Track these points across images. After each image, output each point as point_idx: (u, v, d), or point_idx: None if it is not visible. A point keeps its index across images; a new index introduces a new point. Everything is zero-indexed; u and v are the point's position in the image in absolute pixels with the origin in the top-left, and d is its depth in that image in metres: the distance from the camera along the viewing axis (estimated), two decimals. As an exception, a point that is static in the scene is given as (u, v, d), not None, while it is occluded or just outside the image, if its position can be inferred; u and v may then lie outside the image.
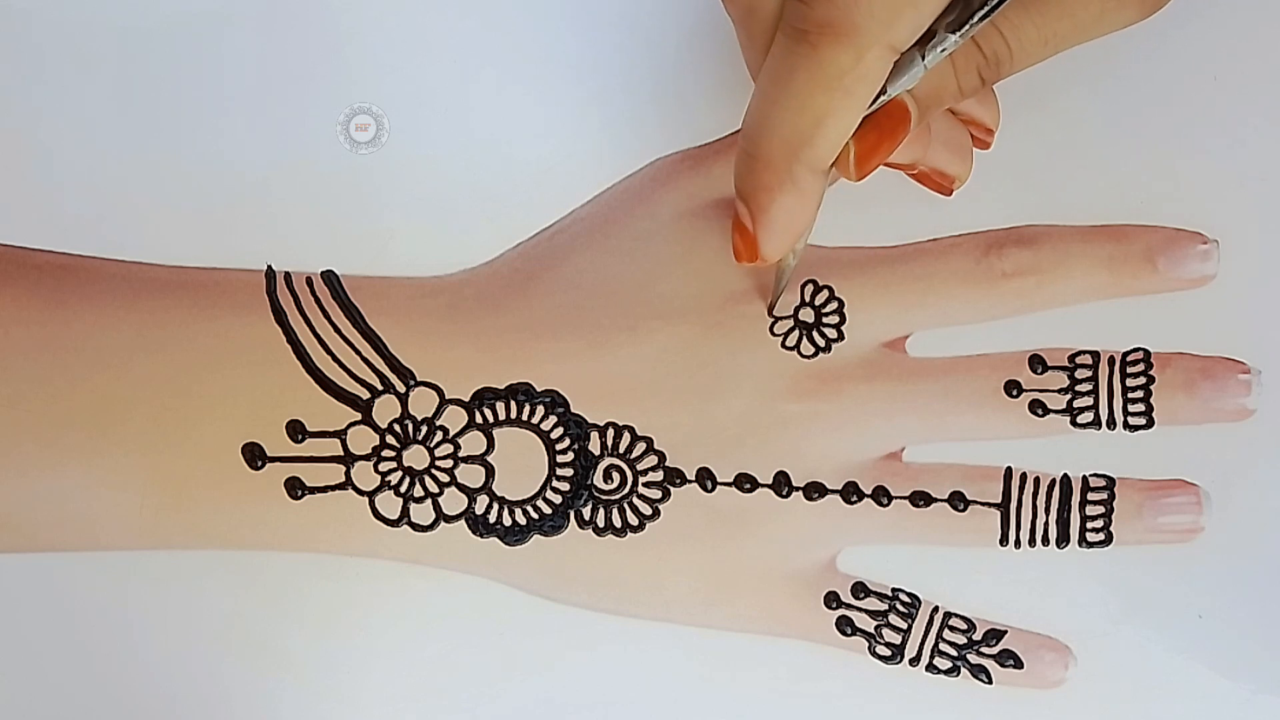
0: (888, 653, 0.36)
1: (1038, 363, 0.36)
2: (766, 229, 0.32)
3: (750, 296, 0.36)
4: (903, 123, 0.31)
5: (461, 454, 0.35)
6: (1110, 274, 0.36)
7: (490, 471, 0.35)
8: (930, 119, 0.32)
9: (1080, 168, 0.37)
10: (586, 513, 0.35)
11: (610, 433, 0.35)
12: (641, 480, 0.35)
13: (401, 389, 0.35)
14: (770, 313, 0.36)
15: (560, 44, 0.37)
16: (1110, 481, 0.36)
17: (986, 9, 0.29)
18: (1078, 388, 0.36)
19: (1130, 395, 0.36)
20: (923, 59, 0.30)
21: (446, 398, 0.35)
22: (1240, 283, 0.36)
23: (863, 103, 0.30)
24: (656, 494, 0.35)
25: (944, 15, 0.29)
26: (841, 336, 0.36)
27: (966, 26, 0.29)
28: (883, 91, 0.30)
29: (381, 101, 0.37)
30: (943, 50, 0.30)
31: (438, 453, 0.35)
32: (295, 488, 0.35)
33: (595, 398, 0.36)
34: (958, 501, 0.36)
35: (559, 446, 0.35)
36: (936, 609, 0.36)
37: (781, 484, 0.36)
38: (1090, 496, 0.36)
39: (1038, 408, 0.36)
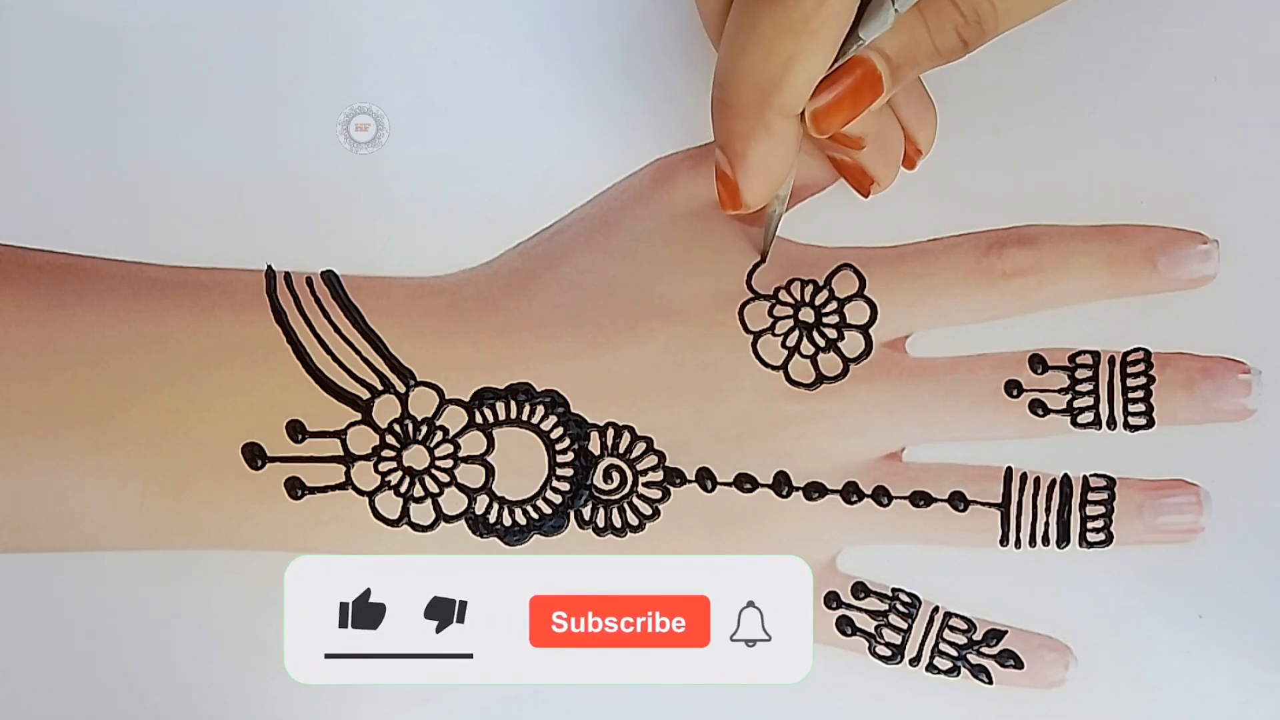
0: (888, 653, 0.36)
1: (1038, 363, 0.36)
2: (745, 175, 0.32)
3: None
4: (873, 84, 0.31)
5: (461, 454, 0.35)
6: (1110, 274, 0.36)
7: (490, 471, 0.35)
8: (904, 83, 0.32)
9: (1080, 168, 0.37)
10: (586, 513, 0.35)
11: (610, 433, 0.35)
12: (641, 480, 0.35)
13: (401, 389, 0.35)
14: (763, 260, 0.36)
15: (560, 44, 0.37)
16: (1110, 481, 0.36)
17: None
18: (1078, 388, 0.36)
19: (1130, 395, 0.36)
20: (893, 4, 0.29)
21: (446, 398, 0.35)
22: (1240, 283, 0.36)
23: (830, 45, 0.29)
24: (656, 494, 0.35)
25: None
26: (842, 336, 0.36)
27: None
28: (857, 40, 0.30)
29: (381, 101, 0.37)
30: None
31: (438, 453, 0.35)
32: (295, 487, 0.35)
33: (595, 397, 0.35)
34: (958, 501, 0.36)
35: (559, 446, 0.35)
36: (936, 609, 0.36)
37: (781, 484, 0.36)
38: (1090, 496, 0.36)
39: (1038, 408, 0.36)
